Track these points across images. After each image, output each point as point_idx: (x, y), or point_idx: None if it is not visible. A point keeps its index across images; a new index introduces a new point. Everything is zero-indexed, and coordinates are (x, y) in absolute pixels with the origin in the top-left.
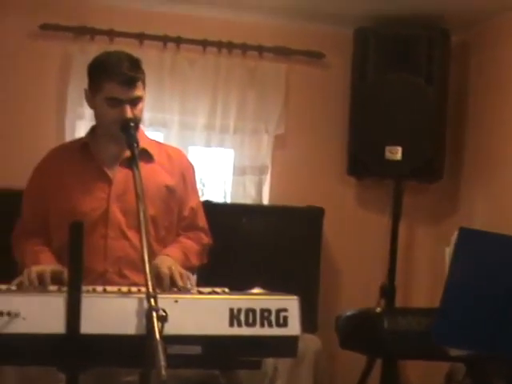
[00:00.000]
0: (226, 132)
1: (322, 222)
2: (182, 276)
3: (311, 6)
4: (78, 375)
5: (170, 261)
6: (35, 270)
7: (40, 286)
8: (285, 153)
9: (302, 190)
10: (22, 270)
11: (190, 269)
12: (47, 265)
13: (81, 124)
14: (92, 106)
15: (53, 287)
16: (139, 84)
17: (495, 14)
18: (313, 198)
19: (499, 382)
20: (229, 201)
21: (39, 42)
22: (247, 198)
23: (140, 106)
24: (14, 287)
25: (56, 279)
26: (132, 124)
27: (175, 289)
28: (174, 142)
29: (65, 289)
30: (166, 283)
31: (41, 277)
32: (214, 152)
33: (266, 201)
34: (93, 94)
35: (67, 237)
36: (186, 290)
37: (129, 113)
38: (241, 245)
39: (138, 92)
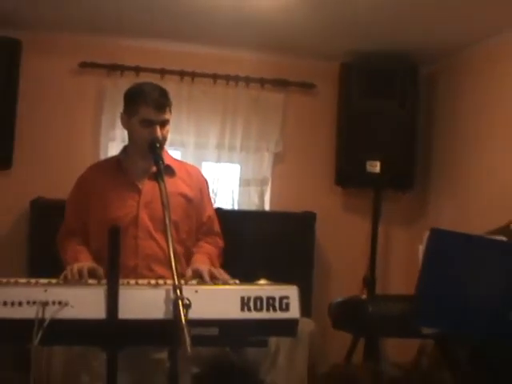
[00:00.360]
0: (234, 150)
1: (315, 224)
2: (220, 273)
3: (304, 44)
4: (116, 353)
5: (208, 263)
6: (76, 266)
7: (80, 279)
8: (283, 167)
9: (298, 198)
10: (65, 266)
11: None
12: (85, 262)
13: (112, 144)
14: (127, 127)
15: (91, 280)
16: (168, 109)
17: (456, 49)
18: (306, 205)
19: (462, 353)
20: (236, 208)
21: (78, 77)
22: (252, 205)
23: (167, 128)
24: (61, 281)
25: (92, 274)
26: (158, 145)
27: (217, 281)
28: (190, 159)
29: (102, 282)
30: (206, 279)
31: (80, 272)
32: (223, 167)
33: (267, 207)
34: (128, 117)
35: (104, 238)
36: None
37: (158, 133)
38: (247, 244)
39: (167, 116)
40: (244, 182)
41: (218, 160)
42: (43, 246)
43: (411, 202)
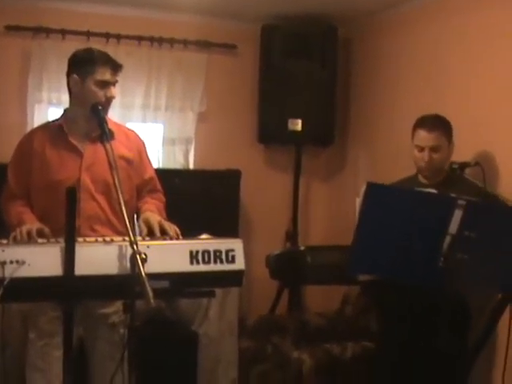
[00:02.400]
0: (159, 110)
1: (239, 181)
2: (170, 227)
3: (226, 6)
4: (73, 308)
5: (157, 216)
6: (25, 228)
7: (30, 239)
8: (206, 126)
9: (221, 156)
10: (9, 228)
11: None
12: (32, 223)
13: (39, 106)
14: (78, 89)
15: (40, 240)
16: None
17: (372, 13)
18: (230, 163)
19: (390, 298)
20: (161, 167)
21: (4, 40)
22: (177, 164)
23: (115, 89)
24: (10, 241)
25: (40, 234)
26: (100, 107)
27: (167, 237)
28: (115, 119)
29: (52, 240)
30: (157, 233)
31: (29, 233)
32: (148, 127)
33: (192, 166)
34: (82, 79)
35: (47, 201)
36: (174, 238)
37: (114, 92)
38: (173, 203)
39: (118, 77)
40: (168, 142)
41: (144, 120)
42: None
43: (331, 157)
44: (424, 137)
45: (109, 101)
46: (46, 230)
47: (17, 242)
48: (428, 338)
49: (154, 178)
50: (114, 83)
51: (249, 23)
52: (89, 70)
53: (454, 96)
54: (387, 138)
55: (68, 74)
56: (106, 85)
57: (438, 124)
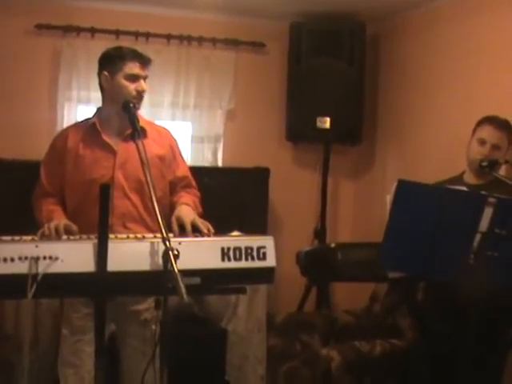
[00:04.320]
0: (187, 108)
1: (268, 179)
2: (203, 224)
3: (254, 4)
4: (105, 303)
5: (191, 213)
6: (53, 224)
7: (56, 235)
8: (235, 124)
9: (250, 154)
10: (40, 225)
11: (199, 215)
12: (60, 220)
13: (69, 104)
14: (109, 85)
15: (65, 236)
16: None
17: (401, 11)
18: (259, 160)
19: (417, 295)
20: (190, 164)
21: (34, 38)
22: (205, 161)
23: (147, 84)
24: (38, 237)
25: (67, 231)
26: (131, 105)
27: (198, 234)
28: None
29: (85, 236)
30: (188, 230)
31: (57, 229)
32: (177, 125)
33: (220, 164)
34: (112, 75)
35: (80, 199)
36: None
37: (145, 86)
38: (204, 199)
39: (148, 72)
40: (197, 140)
41: (173, 118)
42: (4, 204)
43: (359, 155)
44: (490, 132)
45: (140, 95)
46: (74, 227)
47: (45, 237)
48: (460, 335)
49: (188, 176)
50: (144, 77)
51: (277, 21)
52: (118, 65)
53: (484, 93)
54: (416, 136)
55: (99, 73)
56: (135, 78)
57: (506, 126)
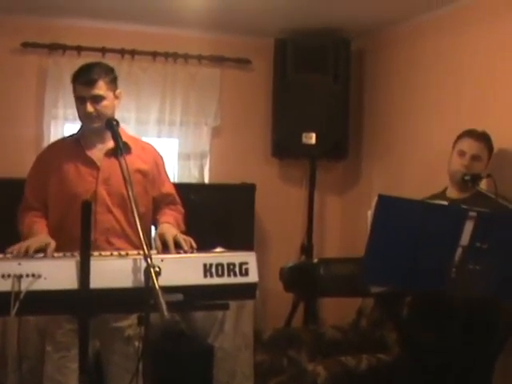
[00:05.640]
0: (174, 125)
1: (254, 195)
2: (185, 241)
3: (239, 21)
4: (89, 321)
5: (174, 230)
6: (25, 244)
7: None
8: (221, 141)
9: (236, 170)
10: (21, 237)
11: (182, 233)
12: (37, 237)
13: (55, 122)
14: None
15: (38, 255)
16: (100, 84)
17: (385, 26)
18: (245, 176)
19: (403, 310)
20: (177, 181)
21: (20, 57)
22: (192, 178)
23: (104, 103)
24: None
25: (40, 251)
26: (114, 122)
27: (181, 251)
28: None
29: (68, 254)
30: (171, 247)
31: (27, 250)
32: (163, 142)
33: (207, 180)
34: (74, 97)
35: (63, 214)
36: (190, 252)
37: (88, 108)
38: (190, 216)
39: (99, 91)
40: (184, 156)
41: (159, 135)
42: None
43: (345, 171)
44: (469, 144)
45: (87, 116)
46: (52, 246)
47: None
48: (446, 346)
49: (172, 193)
50: (91, 98)
51: (262, 37)
52: (73, 87)
53: (468, 108)
54: (401, 151)
55: None
56: (82, 100)
57: (484, 138)
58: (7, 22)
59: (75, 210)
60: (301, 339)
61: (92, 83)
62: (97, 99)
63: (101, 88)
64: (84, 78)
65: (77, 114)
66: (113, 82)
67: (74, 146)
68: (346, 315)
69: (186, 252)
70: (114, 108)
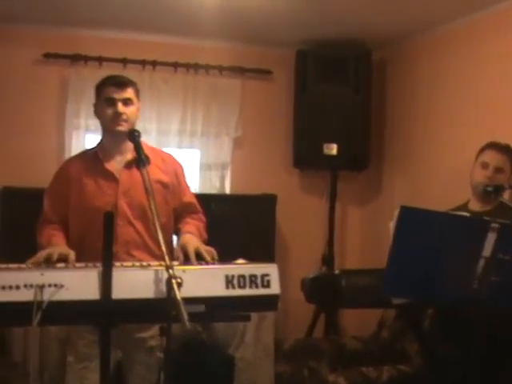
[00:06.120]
0: (195, 136)
1: (275, 205)
2: (207, 252)
3: (260, 32)
4: (110, 332)
5: (196, 241)
6: (45, 252)
7: (46, 263)
8: (242, 151)
9: (257, 181)
10: (39, 249)
11: (204, 242)
12: (57, 247)
13: (77, 133)
14: (97, 113)
15: (59, 265)
16: (130, 89)
17: (407, 36)
18: (266, 187)
19: (424, 322)
20: (198, 192)
21: (43, 67)
22: (213, 189)
23: (132, 108)
24: (29, 265)
25: (61, 260)
26: (136, 133)
27: (203, 262)
28: (152, 145)
29: (90, 264)
30: (192, 259)
31: (49, 258)
32: (184, 152)
33: (228, 191)
34: (96, 102)
35: (84, 228)
36: (212, 263)
37: (120, 108)
38: (211, 226)
39: (129, 94)
40: (205, 167)
41: (180, 145)
42: (12, 231)
43: (366, 182)
44: (492, 156)
45: (117, 117)
46: (72, 255)
47: (35, 266)
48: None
49: (193, 202)
50: (122, 100)
51: (283, 48)
52: (99, 93)
53: (492, 120)
54: (423, 162)
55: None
56: (112, 102)
57: (507, 150)
58: (29, 33)
59: (96, 223)
60: (322, 350)
61: (124, 86)
62: (127, 102)
63: (130, 92)
64: (116, 81)
65: (100, 122)
66: (138, 94)
67: (92, 160)
68: (367, 326)
69: (207, 263)
70: (137, 118)
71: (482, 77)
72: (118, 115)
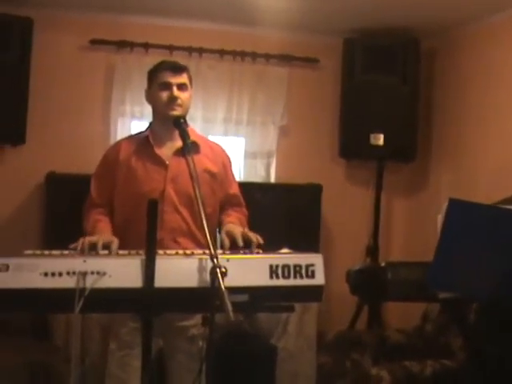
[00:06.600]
0: (240, 124)
1: (321, 195)
2: (253, 235)
3: (308, 20)
4: (152, 320)
5: (239, 227)
6: (88, 239)
7: (91, 251)
8: (288, 140)
9: (303, 170)
10: (85, 234)
11: None
12: (101, 235)
13: (122, 120)
14: (149, 99)
15: (102, 252)
16: (185, 75)
17: (456, 25)
18: (311, 177)
19: (469, 316)
20: (243, 180)
21: (89, 54)
22: (258, 177)
23: (186, 94)
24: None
25: (105, 248)
26: (182, 120)
27: (248, 250)
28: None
29: (133, 252)
30: (240, 242)
31: (93, 246)
32: (230, 140)
33: (273, 180)
34: (149, 87)
35: (131, 212)
36: (256, 247)
37: (175, 92)
38: (256, 215)
39: (184, 80)
40: (250, 155)
41: (225, 133)
42: (57, 217)
43: (413, 173)
44: None
45: (172, 101)
46: (115, 244)
47: (79, 252)
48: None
49: (238, 195)
50: (177, 84)
51: (331, 37)
52: (153, 78)
53: None
54: (471, 154)
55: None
56: (167, 87)
57: None
58: (76, 20)
59: (142, 208)
60: (365, 342)
61: (180, 70)
62: (182, 87)
63: (186, 78)
64: (172, 65)
65: (152, 107)
66: (191, 80)
67: (142, 144)
68: (410, 319)
69: (254, 246)
70: (190, 104)
71: None
72: (173, 99)
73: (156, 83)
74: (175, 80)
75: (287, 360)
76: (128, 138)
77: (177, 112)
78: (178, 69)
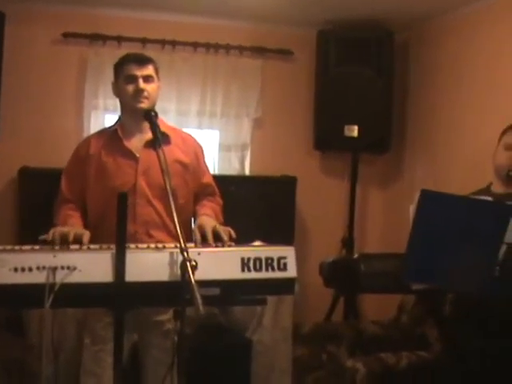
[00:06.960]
0: (214, 116)
1: (295, 188)
2: (225, 232)
3: (281, 12)
4: (123, 315)
5: (212, 221)
6: (59, 231)
7: (62, 244)
8: (262, 132)
9: (277, 163)
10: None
11: (220, 224)
12: (72, 227)
13: (96, 113)
14: (116, 92)
15: (73, 246)
16: (151, 66)
17: (429, 18)
18: (286, 169)
19: (444, 307)
20: (217, 173)
21: (61, 47)
22: (232, 170)
23: (152, 85)
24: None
25: (76, 241)
26: (153, 113)
27: (220, 244)
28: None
29: (104, 246)
30: (210, 239)
31: (64, 237)
32: (203, 133)
33: (247, 172)
34: (116, 81)
35: (103, 207)
36: (230, 243)
37: (141, 84)
38: (230, 208)
39: (150, 71)
40: (224, 148)
41: (199, 126)
42: (31, 212)
43: (387, 164)
44: None
45: (138, 94)
46: (87, 236)
47: (49, 243)
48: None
49: (212, 184)
50: (143, 77)
51: (305, 29)
52: (119, 71)
53: None
54: (445, 145)
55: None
56: (133, 79)
57: None
58: (48, 12)
59: (115, 202)
60: (340, 334)
61: (145, 62)
62: (148, 79)
63: (151, 70)
64: (136, 58)
65: (120, 101)
66: (158, 71)
67: (111, 138)
68: (387, 311)
69: (225, 243)
70: (157, 96)
71: (506, 59)
72: (139, 92)
73: (122, 76)
74: (140, 72)
75: (263, 353)
76: (98, 133)
77: (144, 104)
78: (143, 61)
